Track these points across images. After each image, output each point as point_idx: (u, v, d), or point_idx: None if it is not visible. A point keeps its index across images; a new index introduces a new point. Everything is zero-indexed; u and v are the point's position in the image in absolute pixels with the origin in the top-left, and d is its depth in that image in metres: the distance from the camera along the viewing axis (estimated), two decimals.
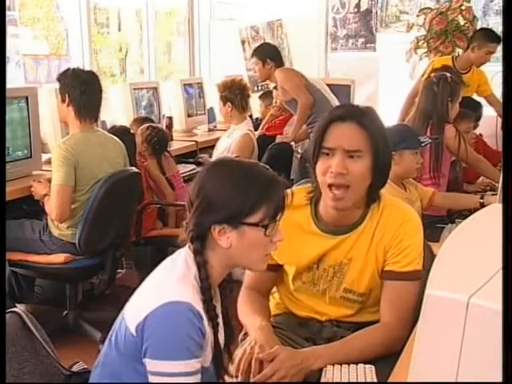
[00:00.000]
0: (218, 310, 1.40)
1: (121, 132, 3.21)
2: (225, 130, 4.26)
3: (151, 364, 1.25)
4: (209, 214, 1.30)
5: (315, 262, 1.66)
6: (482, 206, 2.61)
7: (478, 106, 3.95)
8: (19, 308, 1.38)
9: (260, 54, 4.21)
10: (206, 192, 1.31)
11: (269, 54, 4.20)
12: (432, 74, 3.36)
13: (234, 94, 3.84)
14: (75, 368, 1.45)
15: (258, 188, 1.31)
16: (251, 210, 1.30)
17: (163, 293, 1.27)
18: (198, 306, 1.27)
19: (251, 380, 1.49)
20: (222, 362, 1.39)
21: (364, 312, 1.69)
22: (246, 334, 1.76)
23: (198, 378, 1.27)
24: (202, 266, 1.31)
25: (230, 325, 1.46)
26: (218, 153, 3.97)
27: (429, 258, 1.67)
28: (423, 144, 2.61)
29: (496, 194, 2.58)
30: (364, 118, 1.56)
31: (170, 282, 1.30)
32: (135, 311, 1.29)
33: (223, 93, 3.87)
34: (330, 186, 1.55)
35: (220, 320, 1.40)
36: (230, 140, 3.90)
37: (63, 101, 2.86)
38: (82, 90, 2.83)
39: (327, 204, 1.60)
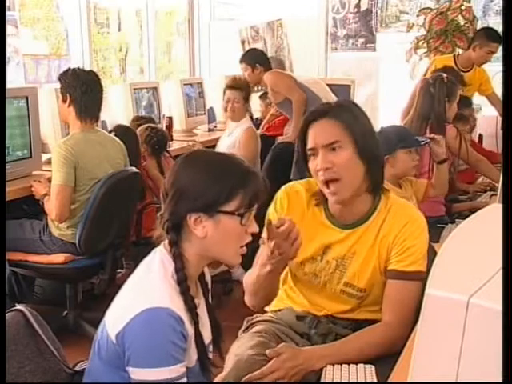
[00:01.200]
0: (202, 305, 1.39)
1: (124, 131, 3.21)
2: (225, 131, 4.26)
3: (135, 372, 1.24)
4: (184, 202, 1.29)
5: (319, 253, 1.68)
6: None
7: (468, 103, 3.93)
8: (23, 306, 1.37)
9: (249, 60, 4.22)
10: (181, 181, 1.31)
11: (257, 59, 4.22)
12: (429, 76, 3.37)
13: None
14: (78, 367, 1.44)
15: (233, 176, 1.31)
16: (227, 198, 1.29)
17: (141, 299, 1.26)
18: (178, 308, 1.26)
19: (244, 378, 1.49)
20: (207, 359, 1.39)
21: (361, 310, 1.70)
22: (245, 330, 1.77)
23: (183, 381, 1.26)
24: (177, 257, 1.30)
25: (216, 321, 1.45)
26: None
27: (431, 258, 1.67)
28: (422, 143, 2.62)
29: (496, 194, 2.58)
30: (336, 110, 1.62)
31: (148, 287, 1.29)
32: (115, 319, 1.28)
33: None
34: (325, 183, 1.60)
35: (205, 316, 1.39)
36: (233, 138, 3.90)
37: (64, 101, 2.86)
38: (83, 90, 2.82)
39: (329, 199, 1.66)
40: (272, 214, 1.71)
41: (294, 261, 1.70)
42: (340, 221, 1.67)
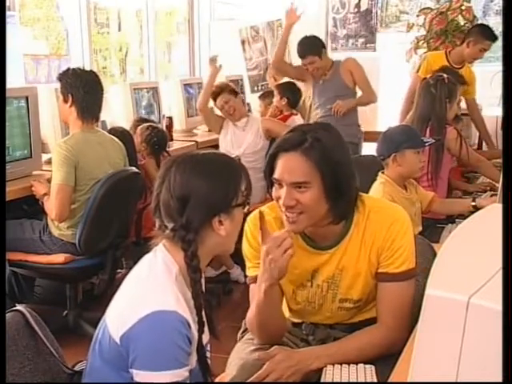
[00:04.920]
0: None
1: (119, 133, 3.21)
2: None
3: (139, 375, 1.24)
4: (205, 208, 1.33)
5: (308, 278, 1.64)
6: (475, 208, 2.60)
7: None
8: (22, 306, 1.37)
9: (313, 50, 4.22)
10: (197, 189, 1.32)
11: (320, 46, 4.25)
12: (429, 76, 3.36)
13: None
14: (78, 367, 1.44)
15: (235, 171, 1.40)
16: (236, 192, 1.37)
17: (148, 301, 1.26)
18: (184, 311, 1.26)
19: (250, 380, 1.49)
20: (206, 362, 1.40)
21: (358, 315, 1.68)
22: (243, 332, 1.77)
23: None
24: (195, 257, 1.32)
25: (211, 320, 1.44)
26: (245, 147, 3.99)
27: (431, 258, 1.66)
28: (426, 144, 2.61)
29: (496, 194, 2.58)
30: (310, 145, 1.50)
31: (154, 289, 1.30)
32: (119, 320, 1.28)
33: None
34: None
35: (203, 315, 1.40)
36: (252, 129, 4.00)
37: (66, 101, 2.85)
38: (85, 91, 2.82)
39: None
40: (247, 249, 1.66)
41: (286, 292, 1.66)
42: (319, 243, 1.62)
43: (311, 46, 4.22)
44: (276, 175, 1.53)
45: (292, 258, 1.47)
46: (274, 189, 1.57)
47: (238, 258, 3.74)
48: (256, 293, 1.55)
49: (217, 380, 1.61)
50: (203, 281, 1.49)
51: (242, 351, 1.62)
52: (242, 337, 1.76)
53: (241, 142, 4.01)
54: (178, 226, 1.32)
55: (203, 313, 1.36)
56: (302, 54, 4.24)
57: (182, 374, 1.25)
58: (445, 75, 3.14)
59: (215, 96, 4.01)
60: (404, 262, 1.57)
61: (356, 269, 1.60)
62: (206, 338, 1.40)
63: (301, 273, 1.63)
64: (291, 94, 4.67)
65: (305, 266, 1.63)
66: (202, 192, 1.32)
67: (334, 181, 1.50)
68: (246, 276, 1.72)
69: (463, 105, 4.16)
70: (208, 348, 1.44)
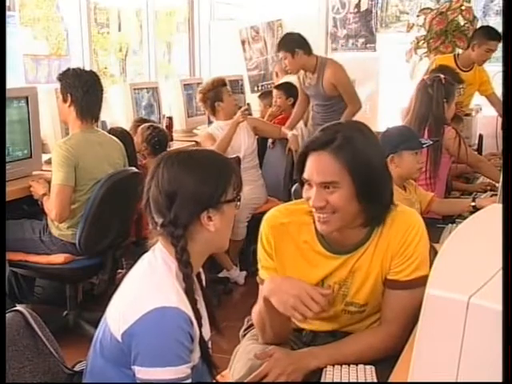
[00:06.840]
0: (201, 300, 1.41)
1: (119, 134, 3.21)
2: None
3: (141, 372, 1.25)
4: (193, 204, 1.33)
5: (320, 280, 1.62)
6: (475, 208, 2.59)
7: None
8: (22, 307, 1.38)
9: (286, 46, 4.14)
10: (186, 185, 1.33)
11: (296, 44, 4.15)
12: (426, 77, 3.36)
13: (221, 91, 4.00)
14: (78, 367, 1.44)
15: (224, 166, 1.41)
16: (226, 188, 1.37)
17: (149, 298, 1.26)
18: (185, 307, 1.27)
19: (247, 379, 1.49)
20: (210, 356, 1.40)
21: (359, 325, 1.66)
22: (246, 330, 1.76)
23: (188, 381, 1.27)
24: (184, 252, 1.33)
25: (213, 315, 1.45)
26: (244, 151, 3.98)
27: (432, 258, 1.65)
28: (424, 145, 2.61)
29: (496, 194, 2.58)
30: (339, 144, 1.47)
31: (155, 286, 1.30)
32: (120, 318, 1.28)
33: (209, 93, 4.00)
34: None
35: (204, 311, 1.40)
36: (246, 132, 4.03)
37: (65, 101, 2.85)
38: (84, 91, 2.82)
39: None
40: (261, 253, 1.64)
41: None
42: (337, 248, 1.59)
43: (286, 43, 4.19)
44: (305, 175, 1.52)
45: (306, 263, 1.52)
46: (304, 189, 1.55)
47: (236, 259, 3.78)
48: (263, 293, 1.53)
49: (219, 377, 1.61)
50: (203, 277, 1.49)
51: (251, 350, 1.60)
52: (245, 334, 1.75)
53: (238, 146, 3.99)
54: (167, 221, 1.33)
55: (199, 307, 1.35)
56: (277, 48, 4.25)
57: (184, 370, 1.25)
58: (442, 75, 3.14)
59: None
60: (415, 270, 1.53)
61: (366, 273, 1.58)
62: (207, 334, 1.40)
63: (314, 276, 1.61)
64: (294, 94, 4.67)
65: (318, 270, 1.61)
66: (189, 187, 1.33)
67: (366, 182, 1.47)
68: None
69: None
70: (209, 345, 1.44)
